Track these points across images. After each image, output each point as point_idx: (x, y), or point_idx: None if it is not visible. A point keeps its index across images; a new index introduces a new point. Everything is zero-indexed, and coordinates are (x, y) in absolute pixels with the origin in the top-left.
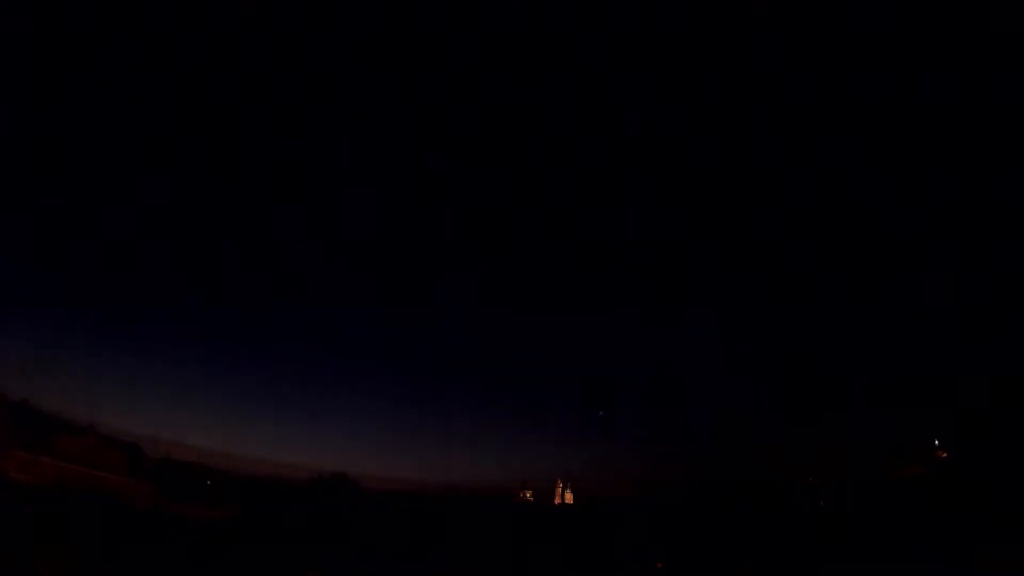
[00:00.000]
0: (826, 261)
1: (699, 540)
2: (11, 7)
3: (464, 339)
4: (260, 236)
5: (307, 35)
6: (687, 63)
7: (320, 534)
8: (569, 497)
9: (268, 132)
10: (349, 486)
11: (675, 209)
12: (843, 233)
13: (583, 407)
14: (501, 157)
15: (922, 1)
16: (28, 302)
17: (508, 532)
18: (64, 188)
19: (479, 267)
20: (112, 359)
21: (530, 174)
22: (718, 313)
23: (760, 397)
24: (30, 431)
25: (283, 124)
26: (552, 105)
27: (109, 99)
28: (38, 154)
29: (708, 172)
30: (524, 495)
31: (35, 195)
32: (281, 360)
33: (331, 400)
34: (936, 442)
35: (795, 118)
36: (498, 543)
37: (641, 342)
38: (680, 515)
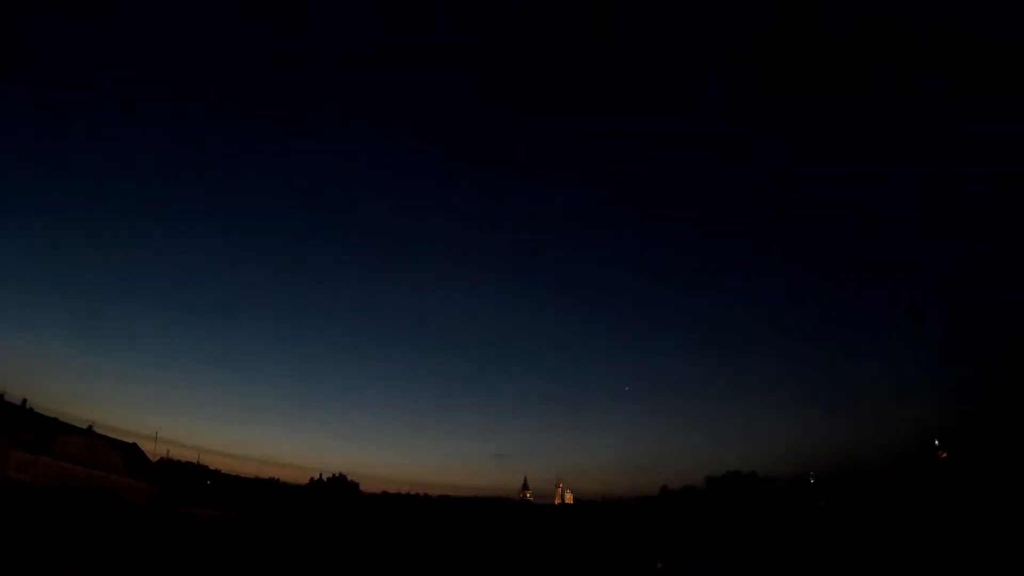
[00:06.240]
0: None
1: (699, 540)
2: None
3: (465, 341)
4: (260, 237)
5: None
6: None
7: (320, 534)
8: (569, 497)
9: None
10: (349, 487)
11: None
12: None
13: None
14: None
15: None
16: (28, 302)
17: (508, 532)
18: (64, 188)
19: (480, 269)
20: (112, 359)
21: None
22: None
23: None
24: (30, 431)
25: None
26: None
27: (109, 105)
28: (39, 154)
29: None
30: (524, 495)
31: (36, 194)
32: (281, 361)
33: (331, 400)
34: (936, 442)
35: None
36: (498, 543)
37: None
38: (680, 515)
